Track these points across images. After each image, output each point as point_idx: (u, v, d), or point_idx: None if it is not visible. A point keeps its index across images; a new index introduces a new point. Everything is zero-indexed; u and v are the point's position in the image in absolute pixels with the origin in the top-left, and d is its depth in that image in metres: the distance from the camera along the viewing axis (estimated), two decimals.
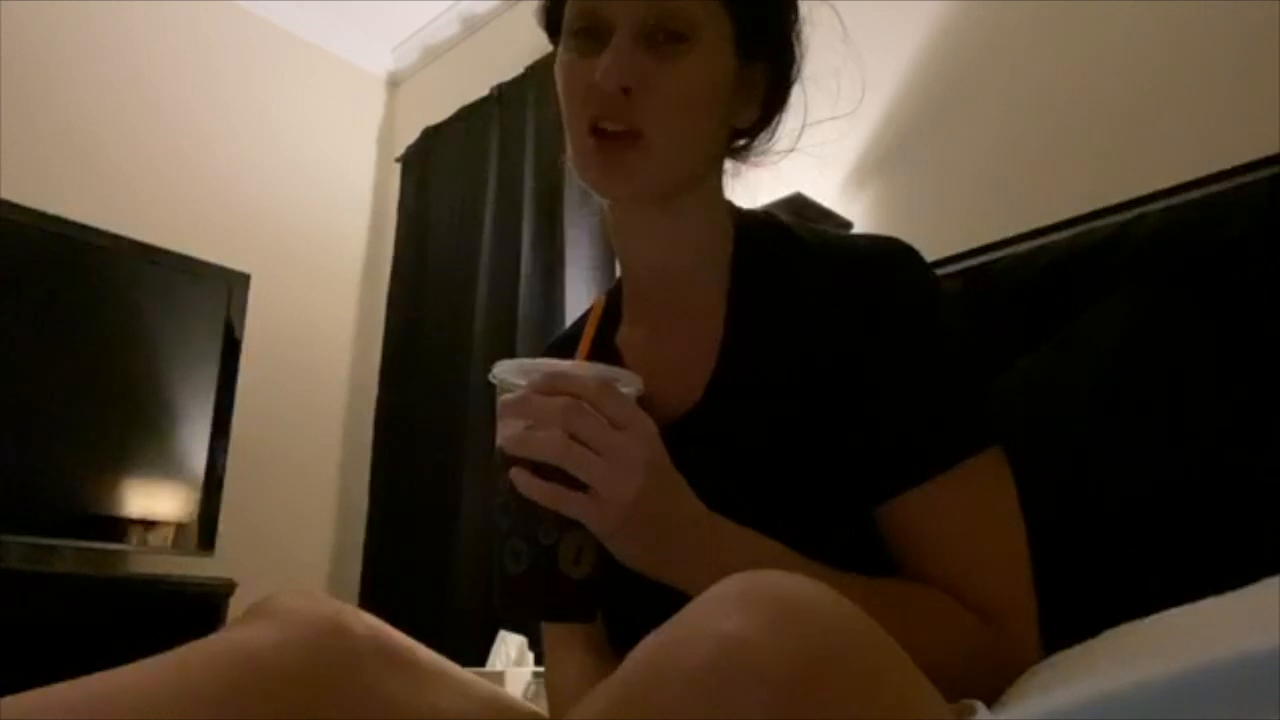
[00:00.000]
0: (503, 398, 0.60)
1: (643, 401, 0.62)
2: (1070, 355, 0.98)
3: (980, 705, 0.49)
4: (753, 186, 0.84)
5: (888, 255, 0.73)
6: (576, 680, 0.73)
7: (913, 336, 0.69)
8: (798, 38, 0.79)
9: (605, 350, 0.81)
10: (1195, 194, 1.05)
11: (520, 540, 0.59)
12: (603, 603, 0.65)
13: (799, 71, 0.80)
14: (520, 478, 0.56)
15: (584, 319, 0.81)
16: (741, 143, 0.80)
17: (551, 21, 0.78)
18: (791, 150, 0.82)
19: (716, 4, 0.71)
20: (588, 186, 0.74)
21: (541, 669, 1.03)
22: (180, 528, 2.11)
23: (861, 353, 0.69)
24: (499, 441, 0.59)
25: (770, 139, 0.81)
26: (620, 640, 0.76)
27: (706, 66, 0.71)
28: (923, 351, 0.69)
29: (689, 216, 0.77)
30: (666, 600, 0.49)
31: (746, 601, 0.38)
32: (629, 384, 0.60)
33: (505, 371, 0.61)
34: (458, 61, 2.89)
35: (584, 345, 0.66)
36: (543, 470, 0.56)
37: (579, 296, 2.09)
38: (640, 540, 0.58)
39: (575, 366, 0.59)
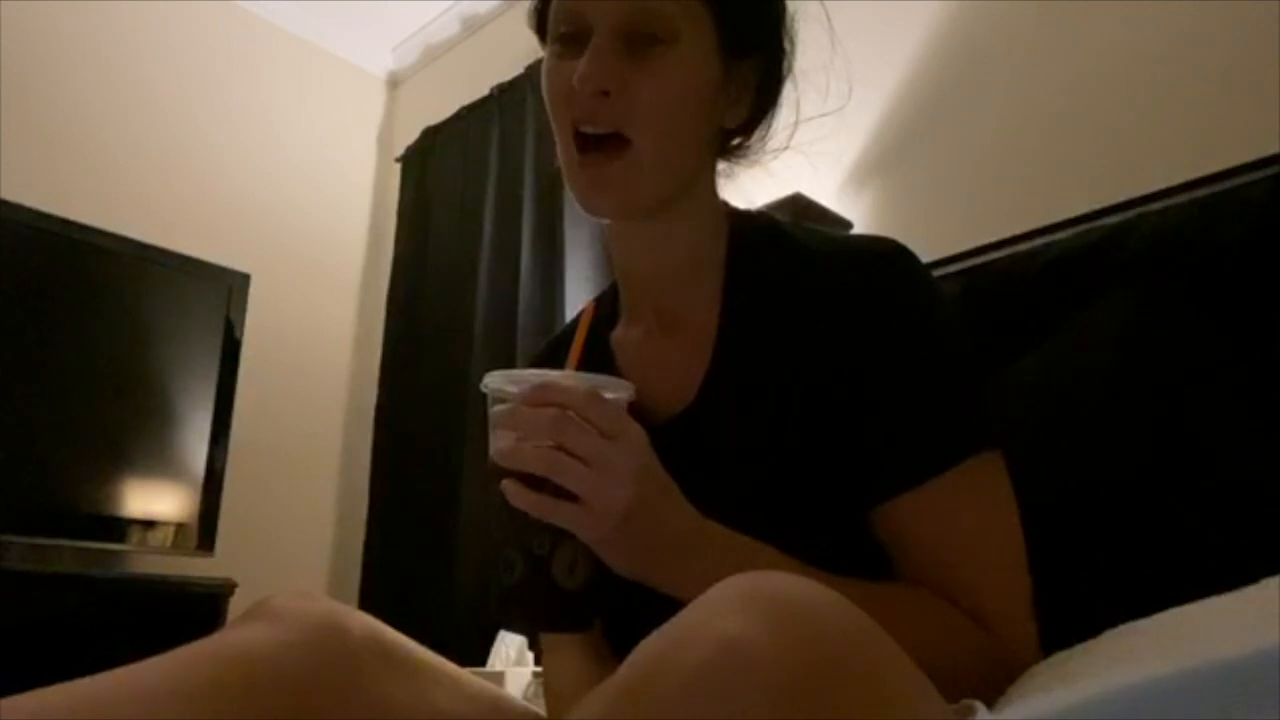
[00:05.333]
0: (493, 410, 0.60)
1: (635, 406, 0.61)
2: (1070, 355, 0.98)
3: (980, 706, 0.49)
4: (752, 187, 0.84)
5: (883, 256, 0.72)
6: (575, 682, 0.73)
7: (908, 338, 0.69)
8: (787, 32, 0.77)
9: (601, 349, 0.81)
10: (1195, 194, 1.05)
11: (514, 550, 0.58)
12: (598, 613, 0.65)
13: (790, 67, 0.78)
14: (511, 489, 0.56)
15: (578, 321, 0.81)
16: (735, 142, 0.79)
17: (540, 24, 0.78)
18: (785, 149, 0.81)
19: (698, 4, 0.70)
20: (576, 203, 0.73)
21: (541, 669, 1.03)
22: (180, 528, 2.11)
23: (857, 354, 0.68)
24: (490, 454, 0.59)
25: (764, 137, 0.80)
26: (619, 642, 0.76)
27: (687, 69, 0.70)
28: (919, 353, 0.69)
29: (682, 222, 0.76)
30: (665, 604, 0.48)
31: (747, 602, 0.38)
32: (618, 391, 0.60)
33: (496, 381, 0.61)
34: (458, 61, 2.89)
35: (574, 353, 0.66)
36: (534, 481, 0.56)
37: (579, 296, 2.09)
38: (632, 549, 0.58)
39: (564, 377, 0.59)
